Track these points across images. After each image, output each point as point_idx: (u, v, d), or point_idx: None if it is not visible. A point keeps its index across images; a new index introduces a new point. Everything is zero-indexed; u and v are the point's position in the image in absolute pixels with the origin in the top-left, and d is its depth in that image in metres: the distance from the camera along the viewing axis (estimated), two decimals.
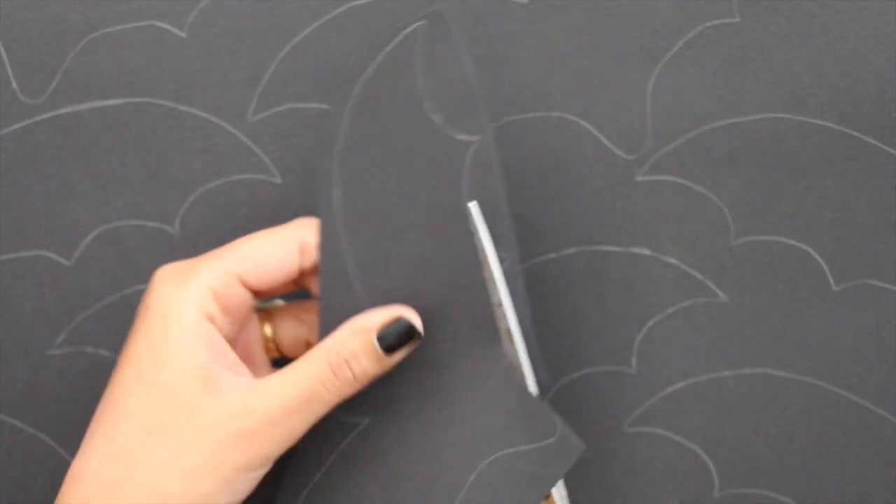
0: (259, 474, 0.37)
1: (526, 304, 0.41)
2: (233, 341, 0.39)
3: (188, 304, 0.37)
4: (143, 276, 0.44)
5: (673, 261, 0.45)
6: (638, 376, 0.45)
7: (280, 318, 0.41)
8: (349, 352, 0.37)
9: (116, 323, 0.44)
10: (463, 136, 0.37)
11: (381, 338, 0.37)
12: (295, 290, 0.41)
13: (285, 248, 0.39)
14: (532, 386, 0.38)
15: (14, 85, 0.44)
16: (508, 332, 0.38)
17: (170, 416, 0.36)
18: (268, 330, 0.41)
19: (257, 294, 0.39)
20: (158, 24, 0.44)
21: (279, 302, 0.42)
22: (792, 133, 0.44)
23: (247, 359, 0.40)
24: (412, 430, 0.38)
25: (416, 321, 0.38)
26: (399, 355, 0.37)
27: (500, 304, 0.38)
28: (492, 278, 0.37)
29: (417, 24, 0.37)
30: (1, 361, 0.44)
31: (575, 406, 0.45)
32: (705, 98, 0.44)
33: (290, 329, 0.41)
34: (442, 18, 0.37)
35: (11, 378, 0.45)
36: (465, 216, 0.37)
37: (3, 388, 0.45)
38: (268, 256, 0.38)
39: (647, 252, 0.45)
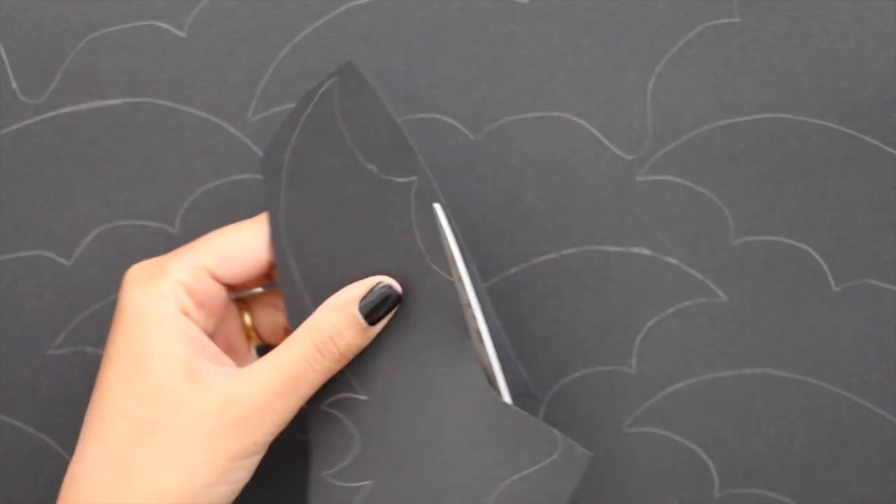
0: (255, 461, 0.37)
1: (497, 322, 0.41)
2: (213, 334, 0.39)
3: (161, 301, 0.37)
4: None
5: (673, 261, 0.45)
6: (638, 376, 0.45)
7: (258, 307, 0.41)
8: (332, 328, 0.37)
9: None
10: (402, 179, 0.38)
11: (364, 307, 0.37)
12: (268, 283, 0.41)
13: (253, 241, 0.39)
14: (504, 388, 0.38)
15: (14, 85, 0.44)
16: (478, 332, 0.38)
17: (158, 412, 0.36)
18: (247, 319, 0.41)
19: (230, 287, 0.39)
20: (158, 24, 0.44)
21: (257, 289, 0.42)
22: (792, 133, 0.44)
23: (230, 350, 0.40)
24: (411, 485, 0.37)
25: (395, 285, 0.38)
26: (380, 325, 0.38)
27: (469, 306, 0.38)
28: (459, 279, 0.38)
29: (330, 81, 0.38)
30: (1, 361, 0.44)
31: (575, 406, 0.45)
32: (705, 98, 0.44)
33: (268, 317, 0.41)
34: (353, 69, 0.38)
35: (11, 378, 0.45)
36: (422, 253, 0.38)
37: (3, 388, 0.45)
38: (236, 250, 0.38)
39: (647, 252, 0.45)
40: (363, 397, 0.38)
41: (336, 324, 0.37)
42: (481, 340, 0.38)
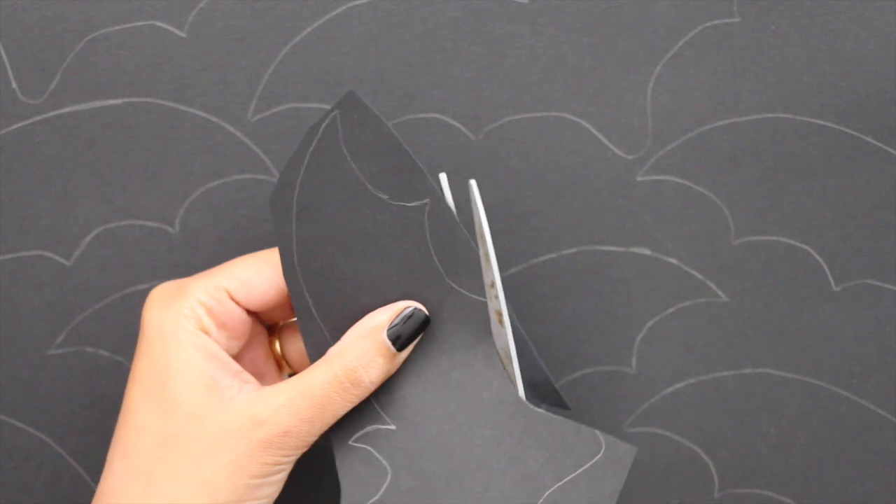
0: (280, 477, 0.37)
1: (522, 332, 0.41)
2: (240, 358, 0.39)
3: (181, 319, 0.37)
4: (143, 276, 0.44)
5: (673, 261, 0.45)
6: (638, 376, 0.45)
7: (287, 335, 0.42)
8: (361, 355, 0.37)
9: (116, 323, 0.44)
10: (414, 203, 0.37)
11: (393, 333, 0.37)
12: (292, 317, 0.41)
13: (274, 268, 0.39)
14: (517, 373, 0.38)
15: (14, 85, 0.44)
16: (499, 313, 0.38)
17: (180, 427, 0.36)
18: (277, 347, 0.41)
19: (252, 312, 0.39)
20: (158, 24, 0.44)
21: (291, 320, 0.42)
22: (792, 133, 0.44)
23: (257, 375, 0.40)
24: None
25: (422, 308, 0.38)
26: (407, 352, 0.38)
27: (493, 285, 0.38)
28: (486, 257, 0.37)
29: (332, 114, 0.38)
30: (1, 361, 0.44)
31: (575, 406, 0.45)
32: (705, 98, 0.44)
33: (296, 345, 0.41)
34: (354, 99, 0.37)
35: (11, 378, 0.45)
36: (441, 274, 0.37)
37: (3, 388, 0.45)
38: (258, 275, 0.39)
39: (647, 252, 0.45)
40: (392, 427, 0.38)
41: (365, 350, 0.37)
42: (501, 322, 0.38)
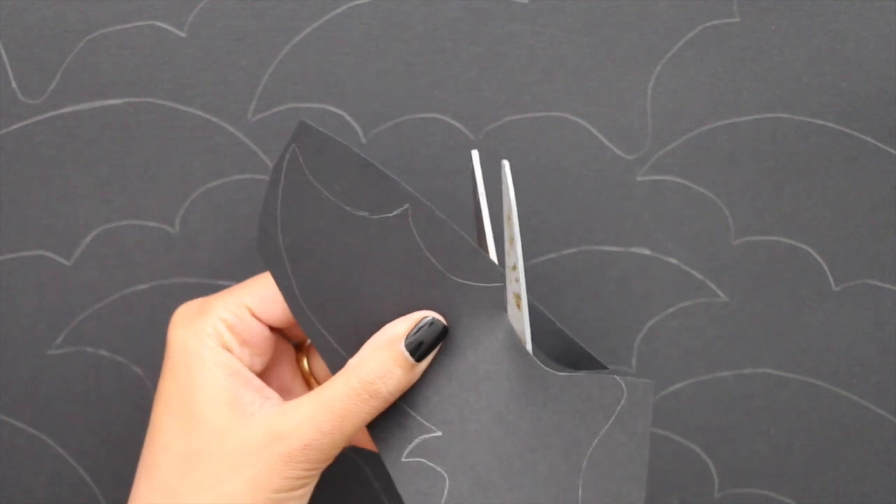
0: (304, 491, 0.37)
1: (541, 309, 0.41)
2: (265, 375, 0.40)
3: (204, 336, 0.37)
4: (143, 276, 0.44)
5: (673, 261, 0.45)
6: (638, 376, 0.45)
7: (314, 352, 0.42)
8: (380, 366, 0.37)
9: (116, 323, 0.44)
10: (396, 212, 0.37)
11: (411, 344, 0.37)
12: None
13: None
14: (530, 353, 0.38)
15: (14, 85, 0.44)
16: (517, 296, 0.37)
17: (202, 443, 0.36)
18: (305, 365, 0.41)
19: (273, 329, 0.39)
20: (158, 24, 0.44)
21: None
22: (792, 133, 0.44)
23: (284, 391, 0.40)
24: (509, 495, 0.37)
25: (440, 318, 0.37)
26: (426, 362, 0.37)
27: (515, 268, 0.37)
28: (512, 240, 0.37)
29: (290, 149, 0.38)
30: (1, 361, 0.44)
31: None
32: (705, 98, 0.44)
33: (323, 362, 0.41)
34: (307, 127, 0.38)
35: (11, 378, 0.45)
36: (443, 273, 0.37)
37: (3, 388, 0.45)
38: (278, 292, 0.39)
39: (647, 252, 0.45)
40: (438, 433, 0.38)
41: (383, 362, 0.37)
42: (519, 306, 0.37)
